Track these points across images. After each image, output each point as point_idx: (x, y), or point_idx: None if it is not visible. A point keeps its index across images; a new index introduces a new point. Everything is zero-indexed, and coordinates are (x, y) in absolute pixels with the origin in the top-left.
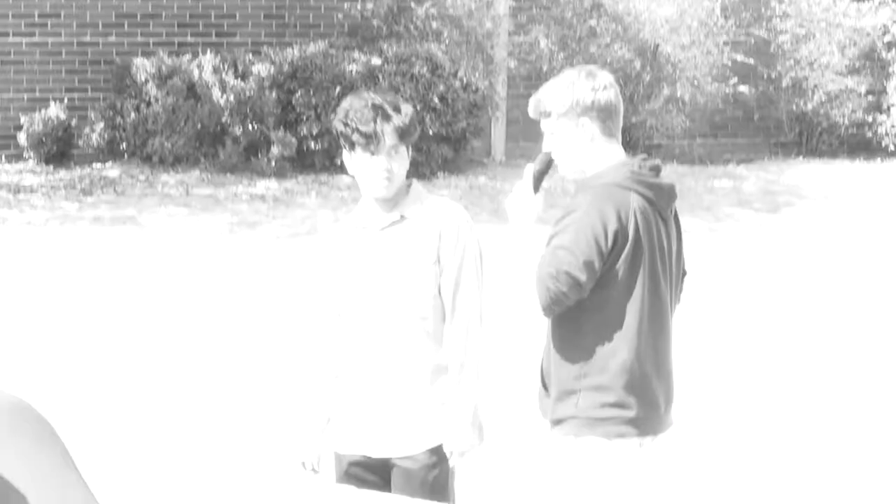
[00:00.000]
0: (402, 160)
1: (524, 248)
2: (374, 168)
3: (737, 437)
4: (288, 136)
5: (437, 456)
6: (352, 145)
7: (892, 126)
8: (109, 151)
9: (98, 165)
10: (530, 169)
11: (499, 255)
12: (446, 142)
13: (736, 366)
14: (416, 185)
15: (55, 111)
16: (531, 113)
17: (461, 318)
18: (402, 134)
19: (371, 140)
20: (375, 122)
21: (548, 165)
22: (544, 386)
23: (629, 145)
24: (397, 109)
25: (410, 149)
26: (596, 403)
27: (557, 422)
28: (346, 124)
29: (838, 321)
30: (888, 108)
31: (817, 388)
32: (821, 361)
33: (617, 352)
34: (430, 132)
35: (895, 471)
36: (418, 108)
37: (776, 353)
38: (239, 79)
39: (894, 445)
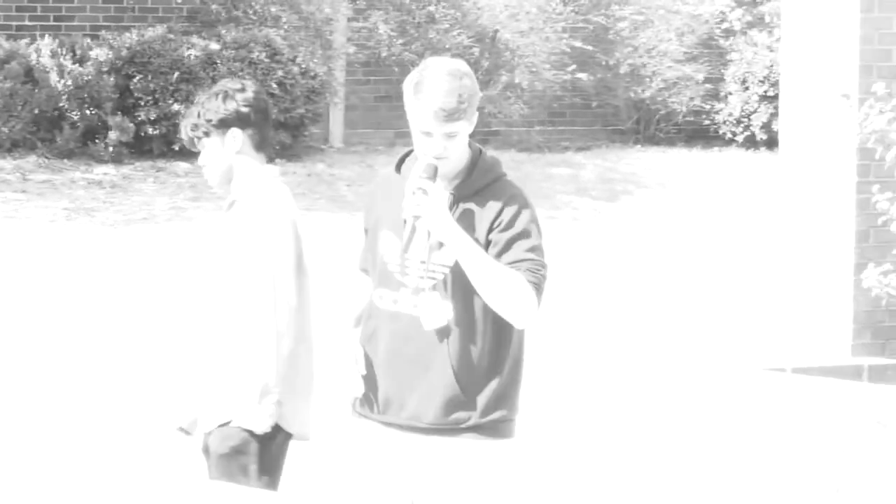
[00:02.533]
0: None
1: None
2: None
3: (555, 429)
4: (126, 122)
5: (231, 432)
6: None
7: (730, 114)
8: None
9: None
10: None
11: (336, 243)
12: (284, 128)
13: (575, 351)
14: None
15: None
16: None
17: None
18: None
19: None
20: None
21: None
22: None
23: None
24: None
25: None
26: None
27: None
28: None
29: (674, 307)
30: (726, 97)
31: (651, 375)
32: (656, 347)
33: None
34: None
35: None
36: None
37: (614, 340)
38: (77, 63)
39: (720, 438)
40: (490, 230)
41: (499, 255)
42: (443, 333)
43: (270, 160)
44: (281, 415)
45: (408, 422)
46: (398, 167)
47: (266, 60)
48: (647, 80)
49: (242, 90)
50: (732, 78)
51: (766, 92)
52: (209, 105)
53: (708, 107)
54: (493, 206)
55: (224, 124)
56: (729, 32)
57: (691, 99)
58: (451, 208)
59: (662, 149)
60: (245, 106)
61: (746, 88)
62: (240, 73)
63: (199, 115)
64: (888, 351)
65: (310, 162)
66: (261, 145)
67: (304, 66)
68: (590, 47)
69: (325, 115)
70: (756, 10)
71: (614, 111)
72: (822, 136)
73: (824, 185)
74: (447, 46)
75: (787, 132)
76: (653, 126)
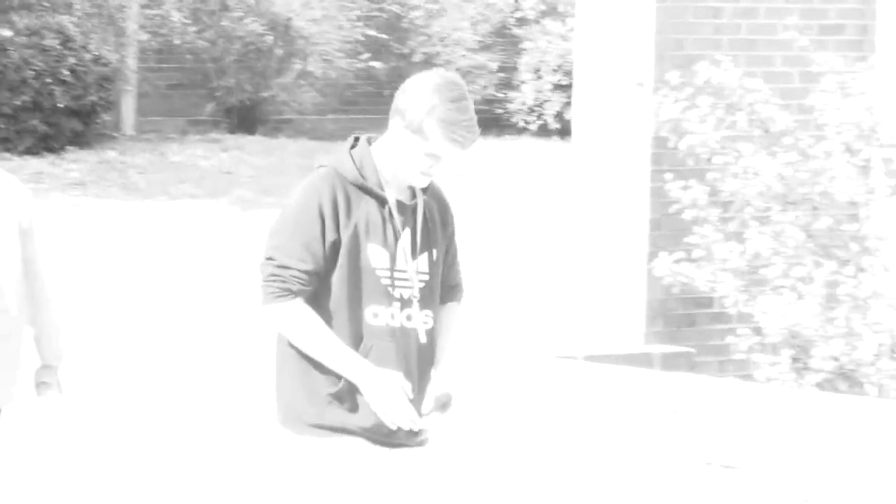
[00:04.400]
0: None
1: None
2: None
3: None
4: None
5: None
6: None
7: (523, 103)
8: None
9: None
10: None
11: (126, 231)
12: (76, 115)
13: None
14: None
15: None
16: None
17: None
18: None
19: None
20: None
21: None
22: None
23: (259, 121)
24: None
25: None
26: None
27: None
28: None
29: (470, 297)
30: (518, 86)
31: None
32: None
33: None
34: (60, 105)
35: None
36: (48, 81)
37: None
38: None
39: None
40: (448, 231)
41: (452, 260)
42: (430, 343)
43: (61, 147)
44: None
45: (407, 440)
46: (362, 173)
47: (58, 47)
48: (441, 68)
49: None
50: (526, 67)
51: (559, 81)
52: None
53: (501, 95)
54: (444, 203)
55: None
56: (523, 21)
57: (485, 88)
58: (423, 213)
59: None
60: None
61: (540, 77)
62: (31, 60)
63: None
64: (679, 339)
65: (101, 149)
66: None
67: (96, 53)
68: (384, 36)
69: (117, 102)
70: None
71: None
72: (615, 125)
73: (618, 174)
74: (241, 34)
75: (581, 121)
76: None
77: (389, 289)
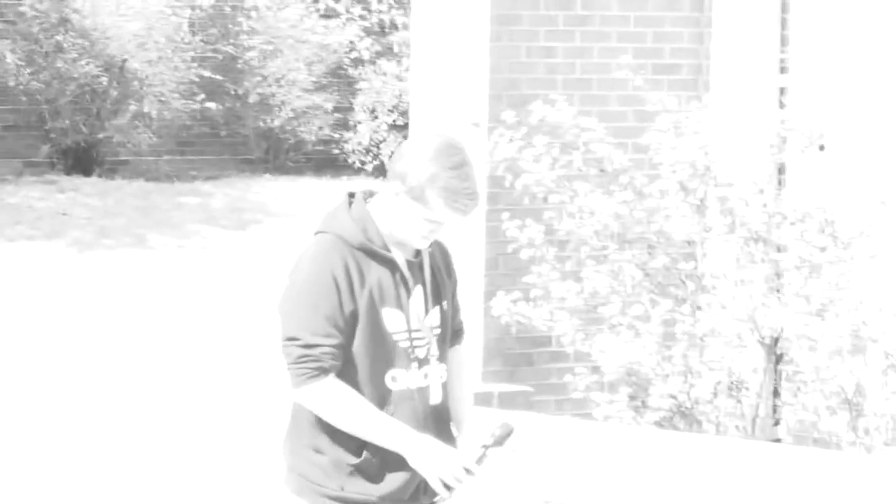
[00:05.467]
0: None
1: None
2: None
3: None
4: None
5: None
6: None
7: (359, 143)
8: None
9: None
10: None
11: None
12: None
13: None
14: None
15: None
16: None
17: None
18: None
19: None
20: None
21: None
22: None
23: (95, 162)
24: None
25: None
26: None
27: None
28: None
29: None
30: (354, 126)
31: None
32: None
33: None
34: None
35: None
36: None
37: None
38: None
39: None
40: (453, 279)
41: (456, 311)
42: (445, 398)
43: None
44: None
45: (425, 500)
46: (367, 237)
47: None
48: (277, 109)
49: None
50: (361, 107)
51: (395, 121)
52: None
53: (337, 136)
54: (444, 250)
55: None
56: (358, 62)
57: (320, 128)
58: (430, 267)
59: (292, 178)
60: None
61: (375, 117)
62: None
63: None
64: (518, 378)
65: None
66: None
67: None
68: (219, 76)
69: None
70: (385, 39)
71: (244, 140)
72: None
73: None
74: (75, 76)
75: None
76: (282, 155)
77: (408, 350)
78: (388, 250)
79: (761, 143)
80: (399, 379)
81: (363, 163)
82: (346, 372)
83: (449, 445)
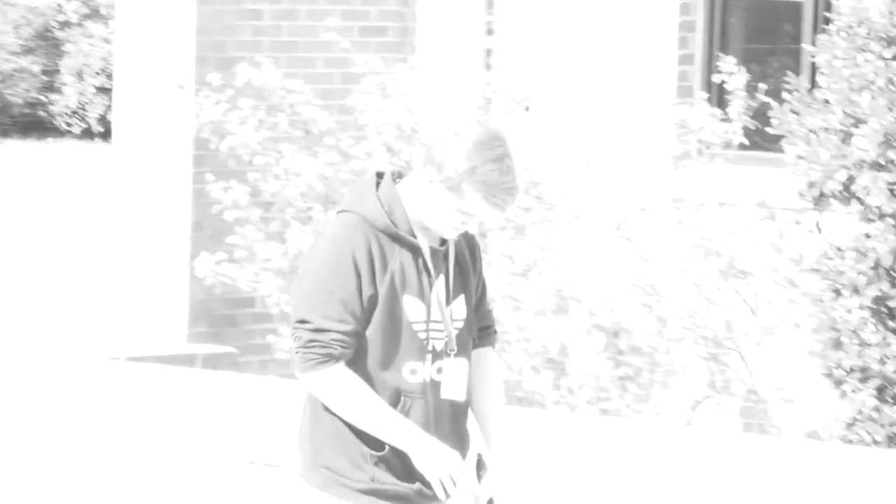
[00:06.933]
0: None
1: None
2: None
3: None
4: None
5: None
6: None
7: (66, 106)
8: None
9: None
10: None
11: None
12: None
13: None
14: None
15: None
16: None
17: None
18: None
19: None
20: None
21: None
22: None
23: None
24: None
25: None
26: None
27: None
28: None
29: (17, 304)
30: (61, 88)
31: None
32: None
33: None
34: None
35: None
36: None
37: None
38: None
39: None
40: (479, 270)
41: (481, 301)
42: (463, 396)
43: None
44: None
45: None
46: (393, 220)
47: None
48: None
49: None
50: (68, 69)
51: (102, 84)
52: None
53: (44, 98)
54: (472, 240)
55: None
56: (66, 24)
57: (27, 91)
58: (455, 256)
59: None
60: None
61: (82, 80)
62: None
63: None
64: (222, 339)
65: None
66: None
67: None
68: None
69: None
70: (93, 1)
71: None
72: (156, 127)
73: (159, 176)
74: None
75: (122, 123)
76: None
77: (425, 342)
78: (414, 236)
79: (467, 105)
80: (417, 371)
81: (69, 125)
82: (356, 359)
83: (463, 444)
